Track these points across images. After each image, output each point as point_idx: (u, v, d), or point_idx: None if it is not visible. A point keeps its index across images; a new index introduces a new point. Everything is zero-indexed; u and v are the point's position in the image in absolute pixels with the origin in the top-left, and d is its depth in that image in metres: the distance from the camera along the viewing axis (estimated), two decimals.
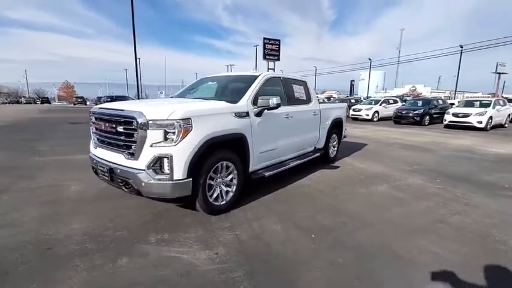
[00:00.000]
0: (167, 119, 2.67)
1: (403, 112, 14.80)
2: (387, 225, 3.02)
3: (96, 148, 3.26)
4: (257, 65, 40.65)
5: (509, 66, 61.80)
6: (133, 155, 2.74)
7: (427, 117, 14.40)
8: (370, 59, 43.26)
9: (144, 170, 2.66)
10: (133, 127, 2.70)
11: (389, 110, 17.42)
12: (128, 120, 2.75)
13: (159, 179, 2.67)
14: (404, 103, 17.81)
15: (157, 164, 2.67)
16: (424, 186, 4.48)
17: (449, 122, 12.84)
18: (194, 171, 2.79)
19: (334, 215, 3.27)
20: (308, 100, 4.95)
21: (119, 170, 2.81)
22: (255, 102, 3.56)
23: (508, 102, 14.99)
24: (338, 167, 5.64)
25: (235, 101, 3.46)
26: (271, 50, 38.57)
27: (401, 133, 11.60)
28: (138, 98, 18.72)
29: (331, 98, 35.07)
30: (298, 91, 4.73)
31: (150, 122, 2.65)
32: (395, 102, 19.00)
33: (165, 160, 2.66)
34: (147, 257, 2.30)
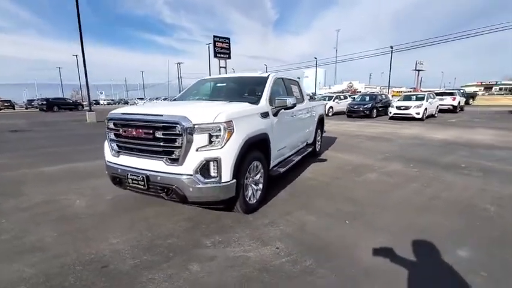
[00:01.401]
0: (213, 123, 2.68)
1: (355, 107, 16.40)
2: (399, 207, 3.50)
3: (118, 156, 3.05)
4: (210, 64, 39.89)
5: (426, 64, 72.20)
6: (176, 161, 2.67)
7: (375, 110, 16.22)
8: (315, 58, 46.23)
9: (191, 175, 2.63)
10: (177, 132, 2.63)
11: (341, 105, 19.10)
12: (170, 126, 2.66)
13: (207, 183, 2.66)
14: (354, 99, 19.64)
15: (204, 168, 2.66)
16: (404, 171, 5.21)
17: (394, 114, 14.72)
18: (237, 172, 2.85)
19: (350, 202, 3.64)
20: (302, 99, 5.28)
21: (159, 177, 2.71)
22: (271, 102, 3.72)
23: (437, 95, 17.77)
24: (325, 159, 6.12)
25: (254, 102, 3.57)
26: (222, 48, 38.32)
27: (358, 126, 12.88)
28: (89, 100, 16.83)
29: None
30: (295, 90, 5.02)
31: (196, 127, 2.62)
32: (345, 98, 20.92)
33: (212, 163, 2.67)
34: (217, 260, 2.32)
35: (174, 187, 2.67)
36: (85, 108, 35.95)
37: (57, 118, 20.34)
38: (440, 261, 2.32)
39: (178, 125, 2.61)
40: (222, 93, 4.36)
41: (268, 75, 4.18)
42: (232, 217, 3.14)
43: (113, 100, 73.45)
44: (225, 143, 2.73)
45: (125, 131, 2.92)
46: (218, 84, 4.63)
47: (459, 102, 18.88)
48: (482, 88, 78.68)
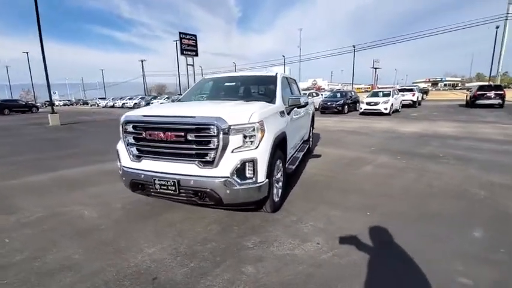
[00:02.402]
0: (248, 123, 2.65)
1: (328, 103, 17.11)
2: (405, 196, 3.78)
3: (140, 161, 2.87)
4: (179, 62, 38.50)
5: (382, 62, 77.39)
6: (211, 163, 2.60)
7: (346, 106, 17.09)
8: (283, 56, 47.10)
9: (228, 177, 2.58)
10: (212, 134, 2.56)
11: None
12: (204, 127, 2.58)
13: (244, 184, 2.64)
14: (326, 96, 20.46)
15: (241, 169, 2.62)
16: (393, 162, 5.61)
17: (364, 109, 15.66)
18: (269, 172, 2.86)
19: (361, 194, 3.84)
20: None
21: (192, 181, 2.61)
22: (283, 101, 3.77)
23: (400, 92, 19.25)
24: (320, 155, 6.34)
25: (270, 101, 3.59)
26: (189, 45, 37.31)
27: (334, 121, 13.48)
28: (51, 101, 15.21)
29: None
30: (295, 88, 5.12)
31: (231, 127, 2.57)
32: (317, 95, 21.68)
33: (248, 164, 2.65)
34: (267, 260, 2.32)
35: (209, 190, 2.60)
36: (40, 110, 32.80)
37: (12, 122, 18.15)
38: (462, 237, 2.58)
39: (213, 127, 2.55)
40: (234, 92, 4.29)
41: (276, 74, 4.22)
42: (259, 217, 3.14)
43: (69, 101, 67.30)
44: (259, 143, 2.73)
45: (150, 134, 2.76)
46: (227, 84, 4.54)
47: (418, 98, 20.69)
48: (430, 84, 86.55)
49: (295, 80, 5.45)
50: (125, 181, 3.03)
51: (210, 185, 2.59)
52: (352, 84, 43.61)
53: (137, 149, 2.91)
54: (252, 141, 2.69)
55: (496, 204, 3.43)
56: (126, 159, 2.99)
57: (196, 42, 37.82)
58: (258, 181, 2.70)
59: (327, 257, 2.37)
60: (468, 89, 26.47)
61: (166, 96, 37.86)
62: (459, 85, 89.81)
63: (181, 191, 2.67)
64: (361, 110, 15.90)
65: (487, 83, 20.98)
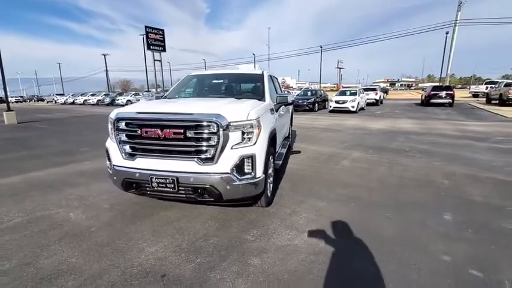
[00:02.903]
0: (246, 120, 2.73)
1: (300, 101, 17.63)
2: (383, 186, 4.13)
3: (134, 159, 2.80)
4: (146, 57, 36.65)
5: (345, 63, 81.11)
6: (210, 160, 2.64)
7: (316, 104, 17.76)
8: (254, 54, 47.27)
9: (228, 173, 2.64)
10: (212, 131, 2.60)
11: None
12: (204, 124, 2.60)
13: (243, 180, 2.71)
14: (298, 94, 21.03)
15: (240, 165, 2.69)
16: (367, 157, 6.03)
17: (334, 107, 16.41)
18: (265, 168, 2.96)
19: (344, 187, 4.11)
20: None
21: (192, 179, 2.63)
22: (271, 98, 3.89)
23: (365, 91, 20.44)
24: (299, 151, 6.59)
25: (260, 99, 3.69)
26: (156, 40, 35.94)
27: (306, 119, 13.96)
28: (7, 98, 13.67)
29: None
30: (278, 86, 5.27)
31: (231, 124, 2.63)
32: (288, 93, 22.21)
33: (247, 160, 2.73)
34: (270, 251, 2.43)
35: (209, 187, 2.63)
36: None
37: None
38: (435, 220, 2.92)
39: (213, 123, 2.58)
40: (223, 89, 4.30)
41: (263, 72, 4.33)
42: (254, 211, 3.24)
43: (21, 97, 60.82)
44: (256, 140, 2.82)
45: (146, 132, 2.70)
46: (215, 81, 4.53)
47: (380, 97, 22.15)
48: (388, 84, 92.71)
49: (277, 78, 5.60)
50: (115, 180, 2.93)
51: (210, 182, 2.63)
52: (320, 83, 45.23)
53: (131, 147, 2.83)
54: (249, 138, 2.77)
55: (459, 191, 3.90)
56: (117, 157, 2.90)
57: (163, 37, 36.53)
58: (257, 176, 2.79)
59: (324, 245, 2.55)
60: (423, 89, 28.94)
61: (134, 93, 36.09)
62: (413, 85, 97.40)
63: (180, 188, 2.66)
64: (331, 108, 16.65)
65: (439, 84, 23.06)
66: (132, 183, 2.83)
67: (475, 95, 28.52)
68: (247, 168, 2.75)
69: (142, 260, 2.30)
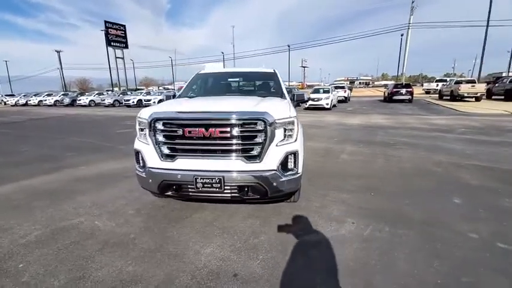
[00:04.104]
0: (289, 117, 2.79)
1: None
2: (389, 176, 4.45)
3: (173, 160, 2.70)
4: (108, 54, 34.05)
5: (309, 62, 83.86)
6: (257, 158, 2.65)
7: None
8: (222, 52, 46.84)
9: (274, 170, 2.67)
10: (259, 128, 2.61)
11: None
12: (252, 122, 2.60)
13: (287, 176, 2.76)
14: None
15: (284, 162, 2.74)
16: (360, 150, 6.42)
17: (309, 105, 17.00)
18: (303, 163, 3.04)
19: (355, 178, 4.36)
20: None
21: (239, 177, 2.61)
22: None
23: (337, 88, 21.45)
24: None
25: (281, 97, 3.76)
26: (117, 36, 33.85)
27: None
28: None
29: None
30: None
31: (276, 121, 2.67)
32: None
33: (290, 157, 2.79)
34: (325, 243, 2.53)
35: (256, 184, 2.64)
36: None
37: None
38: (448, 204, 3.27)
39: (261, 121, 2.60)
40: (241, 88, 4.27)
41: (274, 70, 4.39)
42: (287, 206, 3.31)
43: None
44: (297, 136, 2.89)
45: (189, 132, 2.62)
46: (231, 79, 4.46)
47: (348, 94, 23.43)
48: (348, 82, 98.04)
49: None
50: (151, 183, 2.80)
51: (257, 179, 2.63)
52: (289, 81, 46.34)
53: (170, 148, 2.72)
54: (290, 135, 2.83)
55: (454, 177, 4.36)
56: (153, 159, 2.76)
57: (125, 33, 34.55)
58: (298, 172, 2.87)
59: (369, 233, 2.71)
60: (385, 86, 31.23)
61: (97, 92, 33.57)
62: (370, 83, 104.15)
63: (226, 187, 2.63)
64: (306, 105, 17.23)
65: (399, 83, 25.06)
66: (172, 185, 2.73)
67: (427, 92, 31.52)
68: (290, 164, 2.80)
69: (205, 261, 2.25)
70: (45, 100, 32.43)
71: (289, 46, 40.75)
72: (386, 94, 23.47)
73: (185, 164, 2.69)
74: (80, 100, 30.29)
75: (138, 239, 2.60)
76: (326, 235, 2.67)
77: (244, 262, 2.25)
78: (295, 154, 2.80)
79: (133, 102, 26.07)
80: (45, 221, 2.98)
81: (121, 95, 29.92)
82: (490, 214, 3.08)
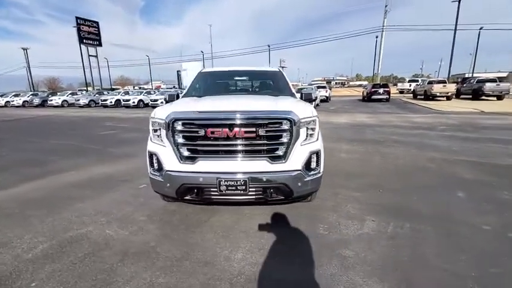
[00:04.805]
0: (312, 116, 2.76)
1: None
2: (388, 173, 4.57)
3: (194, 162, 2.56)
4: (82, 52, 31.92)
5: (287, 62, 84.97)
6: (282, 158, 2.59)
7: None
8: (202, 52, 46.00)
9: (300, 170, 2.62)
10: (284, 128, 2.55)
11: None
12: (277, 121, 2.53)
13: (311, 175, 2.73)
14: None
15: (308, 161, 2.71)
16: (355, 149, 6.56)
17: None
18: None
19: (359, 177, 4.42)
20: None
21: (264, 178, 2.54)
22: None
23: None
24: None
25: (291, 96, 3.72)
26: (89, 33, 32.16)
27: None
28: None
29: (160, 89, 34.40)
30: None
31: (301, 121, 2.62)
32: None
33: (313, 156, 2.76)
34: (354, 243, 2.51)
35: (282, 185, 2.58)
36: None
37: None
38: (454, 198, 3.41)
39: (287, 120, 2.54)
40: (250, 87, 4.16)
41: (279, 69, 4.34)
42: (303, 206, 3.27)
43: None
44: (318, 136, 2.86)
45: (212, 132, 2.50)
46: (237, 78, 4.33)
47: (329, 94, 23.99)
48: (325, 82, 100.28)
49: None
50: (168, 187, 2.64)
51: (283, 180, 2.57)
52: None
53: (190, 149, 2.58)
54: (312, 134, 2.80)
55: (449, 172, 4.57)
56: (171, 162, 2.61)
57: (98, 30, 32.89)
58: (320, 171, 2.84)
59: (392, 229, 2.75)
60: (364, 86, 32.39)
61: (70, 92, 31.64)
62: (346, 83, 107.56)
63: (250, 189, 2.55)
64: None
65: (378, 83, 26.10)
66: (193, 189, 2.59)
67: (401, 91, 33.11)
68: (313, 164, 2.77)
69: (239, 268, 2.15)
70: (13, 101, 30.16)
71: (269, 46, 40.99)
72: (365, 94, 24.32)
73: (207, 166, 2.56)
74: (51, 100, 28.40)
75: (159, 247, 2.44)
76: (352, 234, 2.67)
77: (282, 266, 2.18)
78: (317, 153, 2.78)
79: (111, 102, 24.89)
80: (48, 232, 2.71)
81: (97, 95, 28.43)
82: (493, 206, 3.24)
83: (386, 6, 36.93)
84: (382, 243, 2.49)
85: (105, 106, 25.14)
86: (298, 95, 3.94)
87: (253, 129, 2.50)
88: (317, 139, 2.83)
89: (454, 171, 4.59)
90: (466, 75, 36.45)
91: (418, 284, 1.96)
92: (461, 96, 23.00)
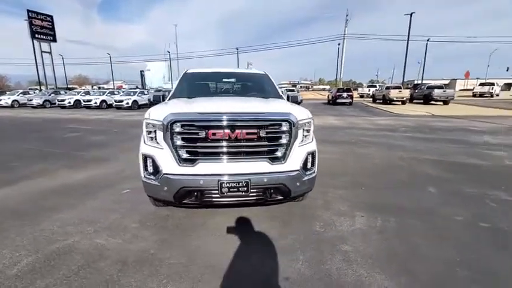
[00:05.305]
0: (308, 118, 2.86)
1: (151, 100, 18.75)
2: (365, 172, 4.89)
3: (194, 165, 2.51)
4: (34, 48, 28.63)
5: (255, 65, 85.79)
6: (281, 159, 2.65)
7: None
8: (168, 52, 44.55)
9: (298, 170, 2.71)
10: (284, 129, 2.61)
11: (145, 99, 21.58)
12: (277, 123, 2.59)
13: (308, 175, 2.83)
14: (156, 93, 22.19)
15: (305, 162, 2.80)
16: (331, 149, 6.86)
17: None
18: None
19: (342, 176, 4.67)
20: None
21: (265, 179, 2.57)
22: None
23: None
24: None
25: (279, 98, 3.82)
26: (42, 28, 29.40)
27: None
28: None
29: (123, 89, 32.99)
30: None
31: (299, 122, 2.71)
32: (148, 93, 23.53)
33: (310, 157, 2.86)
34: (350, 238, 2.66)
35: (281, 185, 2.64)
36: None
37: None
38: (426, 193, 3.77)
39: (287, 122, 2.61)
40: (235, 89, 4.14)
41: (265, 72, 4.41)
42: (294, 206, 3.37)
43: None
44: (312, 137, 2.98)
45: (213, 134, 2.47)
46: (225, 80, 4.27)
47: (301, 98, 24.74)
48: (291, 86, 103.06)
49: None
50: (165, 192, 2.54)
51: (282, 180, 2.63)
52: None
53: (189, 152, 2.53)
54: (306, 136, 2.91)
55: (417, 170, 5.03)
56: (169, 164, 2.52)
57: (52, 25, 30.17)
58: (315, 171, 2.96)
59: (381, 223, 2.95)
60: (324, 89, 34.02)
61: (22, 91, 28.47)
62: (310, 87, 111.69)
63: (252, 190, 2.57)
64: None
65: (342, 87, 27.57)
66: (192, 192, 2.53)
67: (361, 96, 35.36)
68: (309, 164, 2.88)
69: (248, 268, 2.16)
70: None
71: (237, 49, 41.15)
72: (330, 97, 25.52)
73: (208, 168, 2.53)
74: (0, 100, 25.43)
75: (161, 254, 2.34)
76: (346, 230, 2.81)
77: (288, 264, 2.22)
78: (313, 154, 2.89)
79: (69, 103, 22.98)
80: (29, 245, 2.45)
81: (53, 95, 26.01)
82: (459, 200, 3.63)
83: (347, 15, 39.31)
84: (375, 237, 2.67)
85: (63, 107, 23.16)
86: (285, 97, 4.06)
87: (255, 130, 2.53)
88: (312, 140, 2.94)
89: (422, 169, 5.05)
90: (415, 82, 40.05)
91: (415, 272, 2.14)
92: (414, 101, 25.20)
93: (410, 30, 30.05)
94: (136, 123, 12.39)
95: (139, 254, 2.35)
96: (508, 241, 2.60)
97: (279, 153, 2.64)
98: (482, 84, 34.39)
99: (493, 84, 33.36)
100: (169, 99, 3.64)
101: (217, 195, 2.52)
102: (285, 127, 2.62)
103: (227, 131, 2.48)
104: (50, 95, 26.17)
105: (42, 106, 24.51)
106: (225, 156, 2.56)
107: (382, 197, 3.71)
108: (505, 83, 36.32)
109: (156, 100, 3.79)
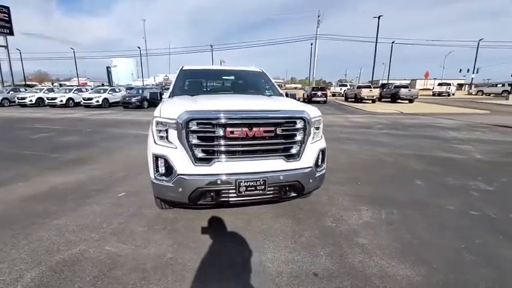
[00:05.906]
0: (319, 116, 2.91)
1: (126, 99, 18.88)
2: (358, 168, 5.10)
3: (210, 164, 2.43)
4: None
5: (227, 63, 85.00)
6: (295, 156, 2.66)
7: (146, 102, 18.72)
8: (139, 47, 42.56)
9: (311, 167, 2.74)
10: (299, 127, 2.63)
11: (116, 97, 21.16)
12: (292, 121, 2.59)
13: (319, 172, 2.88)
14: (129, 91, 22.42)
15: (317, 158, 2.85)
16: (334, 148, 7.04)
17: None
18: None
19: (338, 172, 4.81)
20: None
21: (282, 177, 2.57)
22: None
23: None
24: None
25: (280, 96, 3.84)
26: None
27: None
28: None
29: (87, 86, 31.47)
30: None
31: (312, 120, 2.75)
32: (120, 90, 23.36)
33: (320, 153, 2.91)
34: (362, 231, 2.75)
35: (296, 183, 2.65)
36: None
37: None
38: (414, 185, 4.03)
39: (302, 120, 2.63)
40: (235, 86, 4.06)
41: (262, 70, 4.40)
42: (303, 202, 3.42)
43: None
44: (321, 134, 3.03)
45: (231, 132, 2.41)
46: (224, 77, 4.15)
47: None
48: None
49: None
50: (179, 193, 2.43)
51: (297, 177, 2.65)
52: None
53: (205, 151, 2.44)
54: (317, 133, 2.96)
55: (402, 164, 5.34)
56: (183, 164, 2.42)
57: (9, 17, 27.40)
58: (325, 167, 3.02)
59: (385, 216, 3.09)
60: (303, 89, 34.79)
61: None
62: (282, 86, 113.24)
63: (269, 189, 2.55)
64: None
65: (317, 86, 28.36)
66: (209, 192, 2.46)
67: (334, 94, 36.65)
68: (320, 161, 2.92)
69: (275, 268, 2.15)
70: None
71: (212, 46, 40.48)
72: (305, 96, 26.11)
73: (225, 167, 2.46)
74: None
75: (180, 258, 2.25)
76: (356, 223, 2.91)
77: (312, 260, 2.25)
78: (323, 151, 2.94)
79: (31, 101, 21.06)
80: (28, 257, 2.21)
81: (12, 92, 23.64)
82: (446, 190, 3.92)
83: (319, 16, 40.40)
84: (385, 229, 2.79)
85: (23, 105, 21.16)
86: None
87: (272, 128, 2.52)
88: (321, 137, 2.99)
89: (406, 163, 5.36)
90: (381, 81, 42.36)
91: (430, 260, 2.27)
92: (382, 100, 26.66)
93: (378, 32, 31.72)
94: (110, 122, 11.71)
95: (157, 259, 2.23)
96: (502, 227, 2.85)
97: (294, 151, 2.65)
98: (440, 84, 37.35)
99: (449, 84, 36.39)
100: (170, 96, 3.48)
101: (235, 195, 2.47)
102: (299, 124, 2.64)
103: (245, 129, 2.43)
104: (8, 92, 23.77)
105: (0, 105, 22.23)
106: (242, 155, 2.51)
107: (377, 191, 3.88)
108: (458, 83, 39.80)
109: (154, 98, 3.61)
